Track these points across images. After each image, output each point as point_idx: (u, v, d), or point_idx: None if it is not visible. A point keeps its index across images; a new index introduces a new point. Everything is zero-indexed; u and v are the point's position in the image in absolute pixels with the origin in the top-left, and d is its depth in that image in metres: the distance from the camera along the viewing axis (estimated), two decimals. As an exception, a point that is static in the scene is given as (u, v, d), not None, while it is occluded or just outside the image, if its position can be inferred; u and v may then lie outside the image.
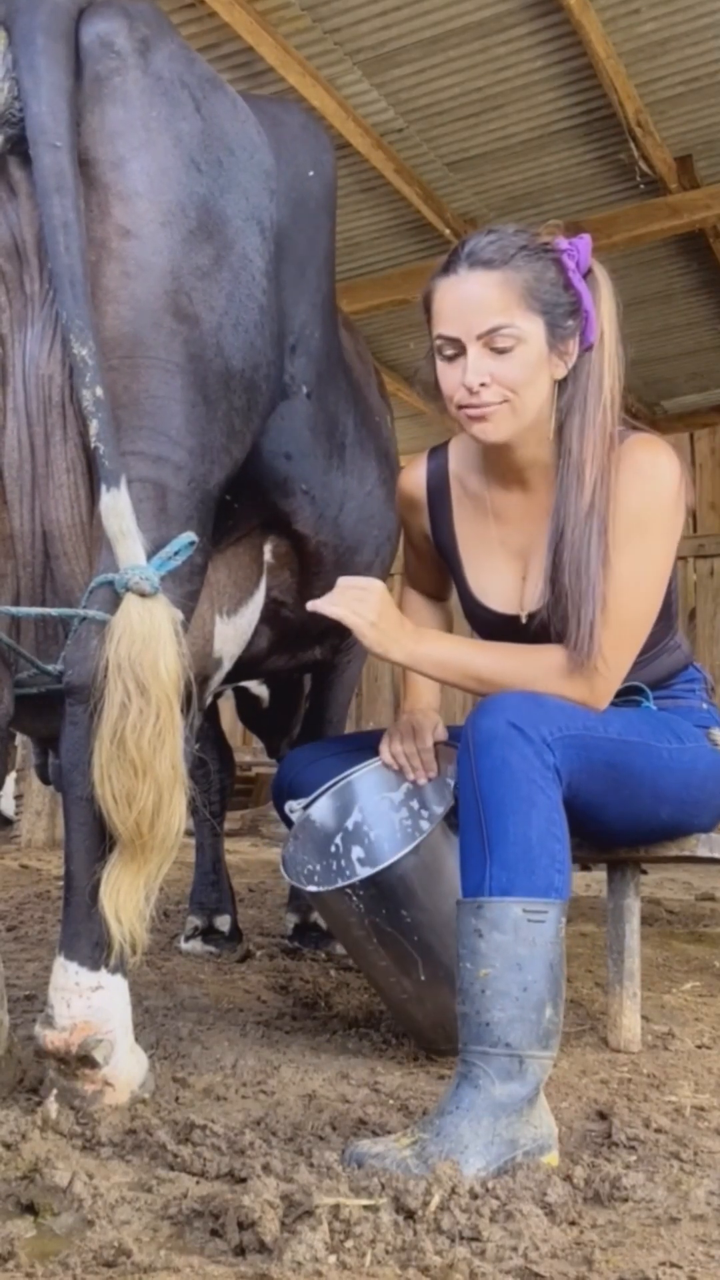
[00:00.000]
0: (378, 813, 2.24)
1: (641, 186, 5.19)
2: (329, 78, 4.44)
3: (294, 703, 3.47)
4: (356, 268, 5.98)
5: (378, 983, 2.14)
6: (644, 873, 4.34)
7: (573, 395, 1.90)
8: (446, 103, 4.67)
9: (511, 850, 1.66)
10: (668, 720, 2.04)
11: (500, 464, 2.03)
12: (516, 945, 1.62)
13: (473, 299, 1.84)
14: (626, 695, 2.09)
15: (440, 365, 1.91)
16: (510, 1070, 1.59)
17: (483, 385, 1.84)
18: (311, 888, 2.08)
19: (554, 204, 5.44)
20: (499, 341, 1.83)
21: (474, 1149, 1.53)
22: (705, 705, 2.18)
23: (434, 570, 2.30)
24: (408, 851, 1.94)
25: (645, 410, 8.07)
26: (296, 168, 2.15)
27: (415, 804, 2.23)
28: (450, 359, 1.88)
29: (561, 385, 1.91)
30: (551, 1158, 1.59)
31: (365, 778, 2.22)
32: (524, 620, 2.04)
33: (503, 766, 1.70)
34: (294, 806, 2.22)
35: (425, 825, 2.22)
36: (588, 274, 1.91)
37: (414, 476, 2.22)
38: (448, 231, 5.47)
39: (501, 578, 2.09)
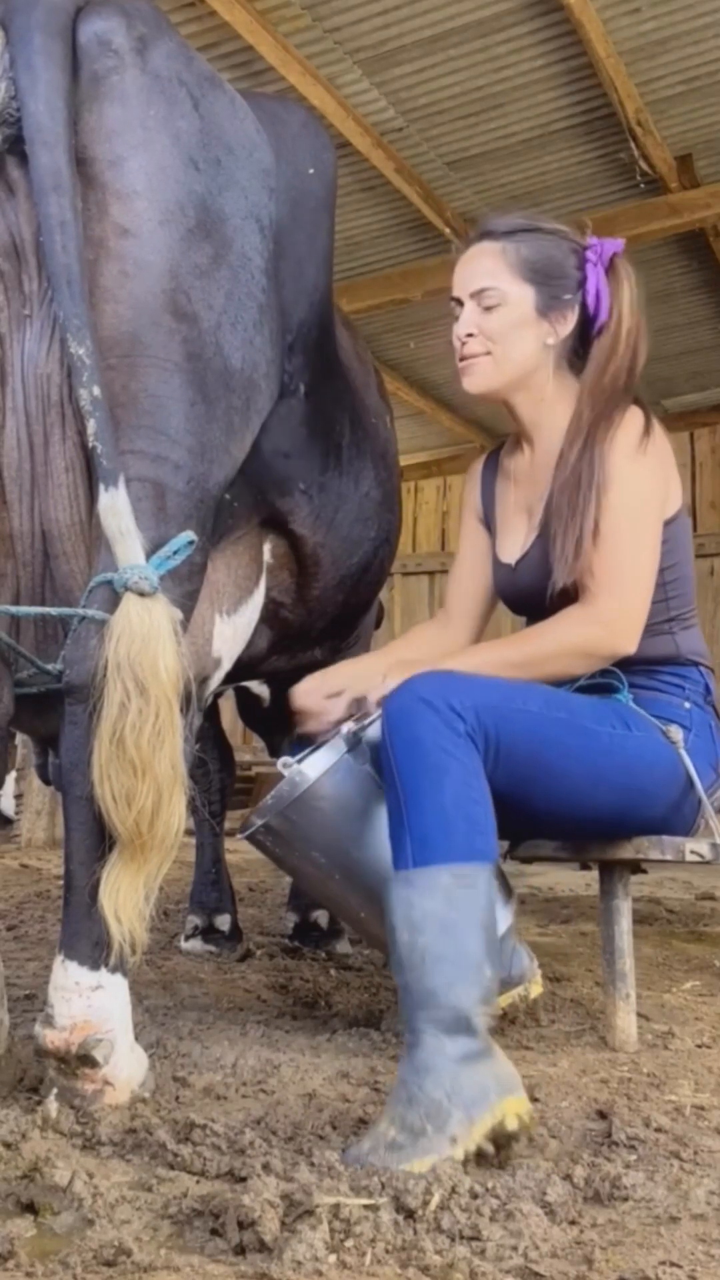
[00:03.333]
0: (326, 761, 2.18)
1: (641, 186, 5.20)
2: (329, 77, 4.44)
3: (295, 702, 3.45)
4: (356, 267, 5.99)
5: (329, 905, 2.15)
6: (643, 871, 4.32)
7: (585, 369, 2.13)
8: (446, 102, 4.67)
9: (428, 820, 1.70)
10: (617, 708, 2.04)
11: (512, 425, 2.25)
12: (449, 911, 1.65)
13: (471, 264, 2.13)
14: (601, 687, 2.09)
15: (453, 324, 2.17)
16: (460, 1026, 1.62)
17: (470, 335, 2.11)
18: (240, 835, 2.09)
19: (554, 203, 5.44)
20: (485, 300, 2.10)
21: (449, 1104, 1.54)
22: (688, 705, 2.14)
23: (480, 567, 2.33)
24: (286, 798, 1.93)
25: (645, 409, 8.06)
26: (296, 166, 2.15)
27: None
28: (456, 317, 2.14)
29: (579, 365, 2.14)
30: (518, 1102, 1.59)
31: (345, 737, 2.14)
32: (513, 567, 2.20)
33: (414, 741, 1.74)
34: (288, 761, 2.17)
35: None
36: (610, 270, 2.11)
37: (481, 459, 2.44)
38: (448, 231, 5.47)
39: (514, 533, 2.25)
